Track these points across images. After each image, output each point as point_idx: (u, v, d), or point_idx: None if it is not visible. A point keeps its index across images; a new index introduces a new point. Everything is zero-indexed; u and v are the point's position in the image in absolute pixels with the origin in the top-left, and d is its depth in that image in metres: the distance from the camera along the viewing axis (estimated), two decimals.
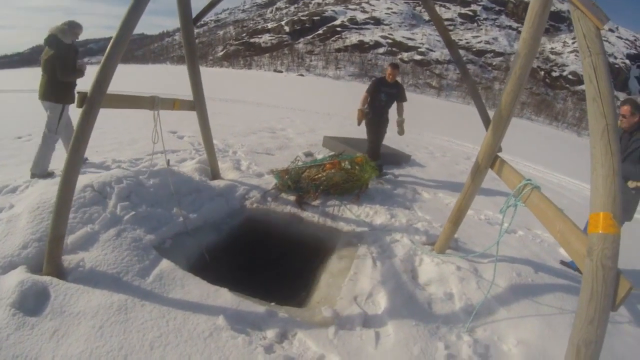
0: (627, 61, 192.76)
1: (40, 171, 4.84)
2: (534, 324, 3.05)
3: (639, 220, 5.65)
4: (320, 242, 4.51)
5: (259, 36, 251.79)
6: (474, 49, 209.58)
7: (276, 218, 4.80)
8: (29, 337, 2.27)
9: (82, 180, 3.62)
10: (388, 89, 6.49)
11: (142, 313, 2.58)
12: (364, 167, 5.62)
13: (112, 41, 2.86)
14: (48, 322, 2.39)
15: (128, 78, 22.47)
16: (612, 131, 1.81)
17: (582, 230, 2.06)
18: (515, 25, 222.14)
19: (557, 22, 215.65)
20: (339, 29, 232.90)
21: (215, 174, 5.52)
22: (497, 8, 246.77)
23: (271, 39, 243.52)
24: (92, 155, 5.67)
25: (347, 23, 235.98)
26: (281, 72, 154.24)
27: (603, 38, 2.03)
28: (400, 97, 6.60)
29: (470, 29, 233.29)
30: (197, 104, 4.92)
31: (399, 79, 6.62)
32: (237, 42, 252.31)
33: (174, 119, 8.68)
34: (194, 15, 4.58)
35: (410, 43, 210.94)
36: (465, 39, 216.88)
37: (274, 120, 12.56)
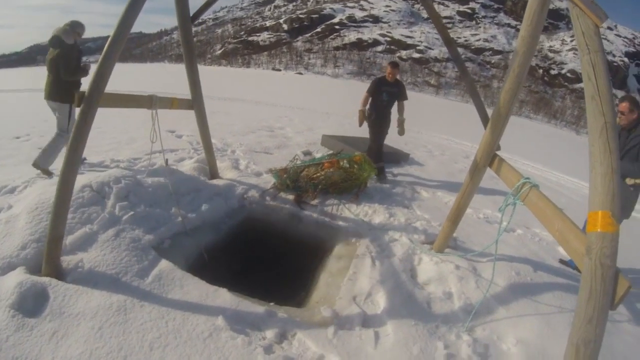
0: (626, 59, 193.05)
1: (44, 164, 4.91)
2: (533, 323, 3.06)
3: (638, 219, 5.66)
4: (319, 242, 4.51)
5: (257, 34, 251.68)
6: (473, 47, 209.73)
7: (275, 217, 4.79)
8: (28, 339, 2.26)
9: (81, 180, 3.61)
10: (389, 88, 6.40)
11: (142, 314, 2.58)
12: (363, 166, 5.61)
13: (109, 40, 2.85)
14: (47, 323, 2.38)
15: (126, 77, 22.41)
16: (610, 129, 1.81)
17: (581, 228, 2.06)
18: (513, 23, 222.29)
19: (555, 20, 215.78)
20: (337, 27, 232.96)
21: (213, 174, 5.52)
22: (495, 6, 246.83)
23: (269, 37, 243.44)
24: (91, 155, 5.65)
25: (345, 21, 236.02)
26: (279, 70, 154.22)
27: (602, 36, 2.02)
28: (401, 96, 6.51)
29: (468, 26, 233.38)
30: (196, 102, 4.91)
31: (398, 77, 6.54)
32: (235, 41, 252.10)
33: (172, 118, 8.64)
34: (191, 14, 4.56)
35: (409, 41, 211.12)
36: (464, 37, 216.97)
37: (273, 119, 12.54)
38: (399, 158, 8.44)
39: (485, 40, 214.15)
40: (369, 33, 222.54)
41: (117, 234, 3.32)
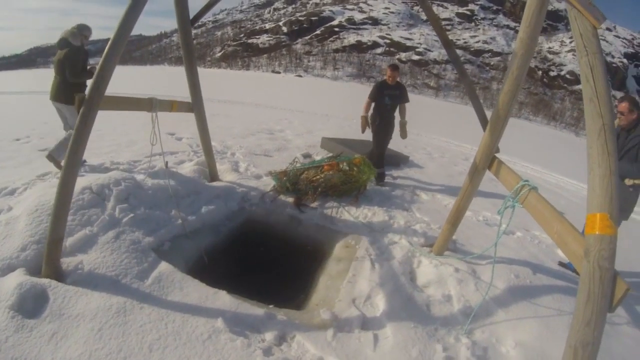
0: (625, 60, 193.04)
1: (59, 157, 5.10)
2: (532, 326, 3.06)
3: (637, 221, 5.67)
4: (318, 244, 4.52)
5: (257, 37, 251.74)
6: (472, 49, 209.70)
7: (275, 220, 4.80)
8: (27, 340, 2.27)
9: (81, 182, 3.62)
10: (391, 92, 6.32)
11: (141, 315, 2.59)
12: (362, 169, 5.61)
13: (110, 42, 2.86)
14: (47, 325, 2.39)
15: (126, 79, 22.43)
16: (609, 131, 1.82)
17: (580, 231, 2.07)
18: (512, 24, 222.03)
19: (554, 21, 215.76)
20: (336, 29, 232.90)
21: (213, 176, 5.53)
22: (494, 7, 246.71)
23: (269, 40, 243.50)
24: (91, 157, 5.66)
25: (344, 23, 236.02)
26: (279, 72, 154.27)
27: (600, 37, 2.03)
28: (403, 98, 6.44)
29: (467, 28, 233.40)
30: (196, 105, 4.93)
31: (399, 79, 6.49)
32: (235, 43, 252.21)
33: (172, 121, 8.65)
34: (191, 16, 4.58)
35: (408, 43, 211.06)
36: (463, 39, 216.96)
37: (272, 121, 12.55)
38: (399, 160, 8.45)
39: (485, 42, 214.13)
40: (368, 35, 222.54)
41: (117, 236, 3.33)
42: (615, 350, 3.06)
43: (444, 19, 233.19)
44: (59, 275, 2.81)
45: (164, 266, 3.19)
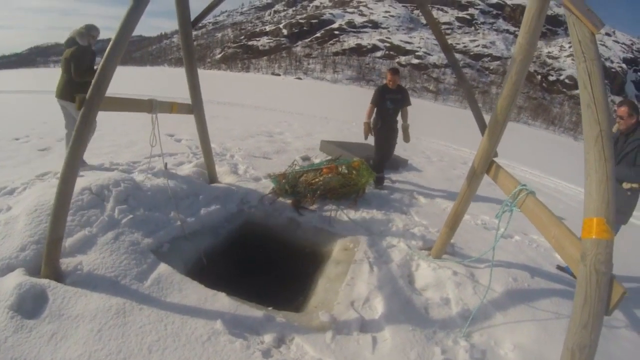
0: (624, 65, 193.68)
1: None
2: (530, 329, 3.08)
3: (636, 225, 5.68)
4: (317, 247, 4.52)
5: (257, 39, 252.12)
6: (472, 53, 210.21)
7: (273, 222, 4.81)
8: (27, 340, 2.28)
9: (80, 183, 3.63)
10: (393, 95, 6.28)
11: (141, 317, 2.59)
12: (361, 172, 5.62)
13: (111, 44, 2.87)
14: (46, 325, 2.39)
15: (126, 80, 22.44)
16: (606, 137, 1.83)
17: (578, 235, 2.08)
18: (512, 29, 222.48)
19: (554, 26, 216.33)
20: (336, 32, 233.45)
21: (212, 178, 5.53)
22: (494, 12, 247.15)
23: (269, 42, 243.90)
24: (90, 157, 5.66)
25: (345, 26, 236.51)
26: (279, 75, 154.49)
27: (599, 42, 2.05)
28: (405, 102, 6.39)
29: (467, 32, 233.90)
30: (195, 107, 4.93)
31: (399, 83, 6.44)
32: (235, 45, 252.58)
33: (172, 122, 8.66)
34: (192, 18, 4.59)
35: (408, 47, 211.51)
36: (463, 43, 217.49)
37: (272, 124, 12.56)
38: (397, 164, 8.45)
39: (484, 46, 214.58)
40: (368, 38, 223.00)
41: (116, 237, 3.34)
42: (613, 354, 3.08)
43: (444, 23, 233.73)
44: (58, 275, 2.82)
45: (163, 268, 3.19)
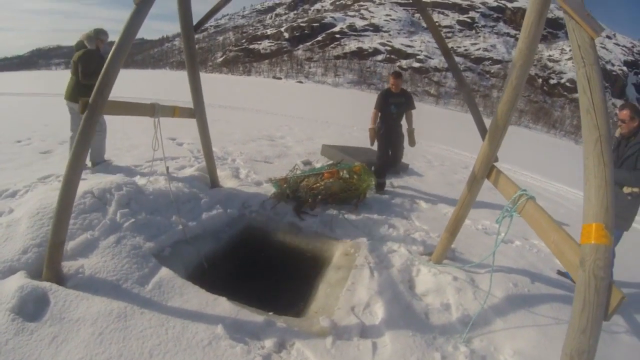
0: (625, 68, 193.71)
1: (99, 159, 5.70)
2: (531, 334, 3.08)
3: (636, 230, 5.67)
4: (318, 252, 4.52)
5: (258, 42, 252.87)
6: (472, 56, 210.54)
7: (274, 227, 4.80)
8: (28, 343, 2.29)
9: (82, 186, 3.63)
10: (396, 99, 6.24)
11: (142, 321, 2.60)
12: (362, 177, 5.63)
13: (114, 48, 2.90)
14: (47, 328, 2.40)
15: (127, 83, 22.50)
16: (605, 142, 1.84)
17: (578, 241, 2.09)
18: (513, 32, 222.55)
19: (554, 29, 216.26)
20: (338, 35, 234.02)
21: (214, 182, 5.54)
22: (495, 15, 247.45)
23: (270, 46, 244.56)
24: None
25: (346, 30, 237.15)
26: (280, 78, 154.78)
27: (600, 45, 2.07)
28: (409, 106, 6.35)
29: (468, 36, 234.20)
30: (197, 111, 4.95)
31: (403, 86, 6.40)
32: (236, 48, 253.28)
33: (173, 125, 8.68)
34: (195, 22, 4.61)
35: (409, 50, 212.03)
36: (464, 46, 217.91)
37: (273, 127, 12.58)
38: (398, 168, 8.46)
39: (485, 49, 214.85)
40: (370, 42, 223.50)
41: (118, 240, 3.35)
42: (613, 359, 3.07)
43: (445, 27, 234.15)
44: (59, 278, 2.83)
45: (164, 272, 3.20)
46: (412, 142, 6.47)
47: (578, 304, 1.73)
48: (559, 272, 4.46)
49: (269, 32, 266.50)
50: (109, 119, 5.77)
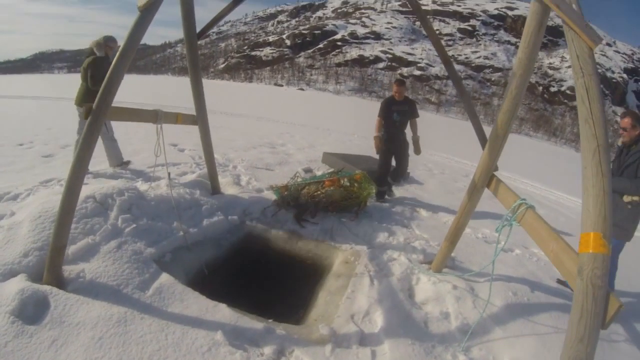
0: (625, 75, 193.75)
1: (117, 161, 6.00)
2: (530, 343, 3.08)
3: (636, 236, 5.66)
4: (318, 259, 4.52)
5: (260, 49, 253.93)
6: (473, 65, 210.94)
7: (275, 234, 4.80)
8: (27, 345, 2.29)
9: (84, 191, 3.65)
10: (399, 107, 6.24)
11: (142, 326, 2.61)
12: (363, 185, 5.63)
13: (117, 54, 2.93)
14: (47, 331, 2.41)
15: (130, 89, 22.59)
16: (603, 152, 1.86)
17: (577, 249, 2.10)
18: (513, 40, 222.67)
19: (555, 37, 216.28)
20: (339, 43, 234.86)
21: (215, 189, 5.55)
22: (495, 23, 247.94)
23: (272, 52, 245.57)
24: (94, 165, 5.71)
25: (347, 37, 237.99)
26: (281, 85, 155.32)
27: (600, 52, 2.08)
28: (413, 114, 6.35)
29: (469, 44, 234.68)
30: (200, 118, 4.98)
31: (406, 94, 6.38)
32: (238, 55, 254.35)
33: (175, 132, 8.73)
34: (198, 30, 4.65)
35: (410, 58, 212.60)
36: (465, 54, 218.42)
37: (274, 135, 12.62)
38: (400, 177, 8.45)
39: (486, 57, 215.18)
40: (371, 50, 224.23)
41: (119, 245, 3.36)
42: None
43: (446, 35, 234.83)
44: (60, 282, 2.84)
45: (165, 277, 3.21)
46: (417, 151, 6.44)
47: (576, 312, 1.74)
48: (559, 281, 4.45)
49: (270, 39, 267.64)
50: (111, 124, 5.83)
